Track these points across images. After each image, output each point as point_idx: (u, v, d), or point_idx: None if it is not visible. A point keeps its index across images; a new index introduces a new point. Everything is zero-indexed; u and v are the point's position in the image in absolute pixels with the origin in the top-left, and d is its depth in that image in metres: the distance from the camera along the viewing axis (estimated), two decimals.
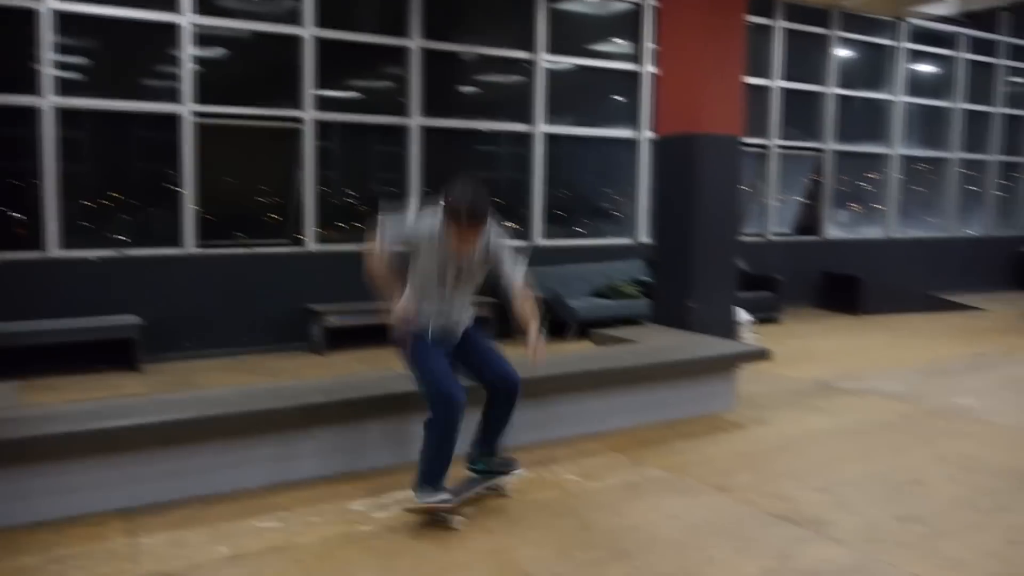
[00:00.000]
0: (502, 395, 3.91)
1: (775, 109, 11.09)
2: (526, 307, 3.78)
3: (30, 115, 6.99)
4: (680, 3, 6.72)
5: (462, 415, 3.68)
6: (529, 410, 4.76)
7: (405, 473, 4.22)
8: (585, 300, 8.85)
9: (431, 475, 3.68)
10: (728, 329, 6.79)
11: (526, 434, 4.73)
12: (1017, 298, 12.26)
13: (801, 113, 11.57)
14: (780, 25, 10.98)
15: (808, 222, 11.81)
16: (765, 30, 10.95)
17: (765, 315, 9.61)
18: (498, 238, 3.78)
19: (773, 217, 11.29)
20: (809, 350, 8.16)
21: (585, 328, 8.00)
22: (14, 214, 7.19)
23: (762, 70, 10.96)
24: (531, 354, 3.70)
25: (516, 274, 3.81)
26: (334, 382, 4.67)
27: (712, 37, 6.53)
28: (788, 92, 11.23)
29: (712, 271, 6.70)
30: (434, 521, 3.66)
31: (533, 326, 3.74)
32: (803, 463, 4.53)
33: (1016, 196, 14.50)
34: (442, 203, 3.58)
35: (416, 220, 3.73)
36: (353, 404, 4.26)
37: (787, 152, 11.39)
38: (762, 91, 10.99)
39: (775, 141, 11.14)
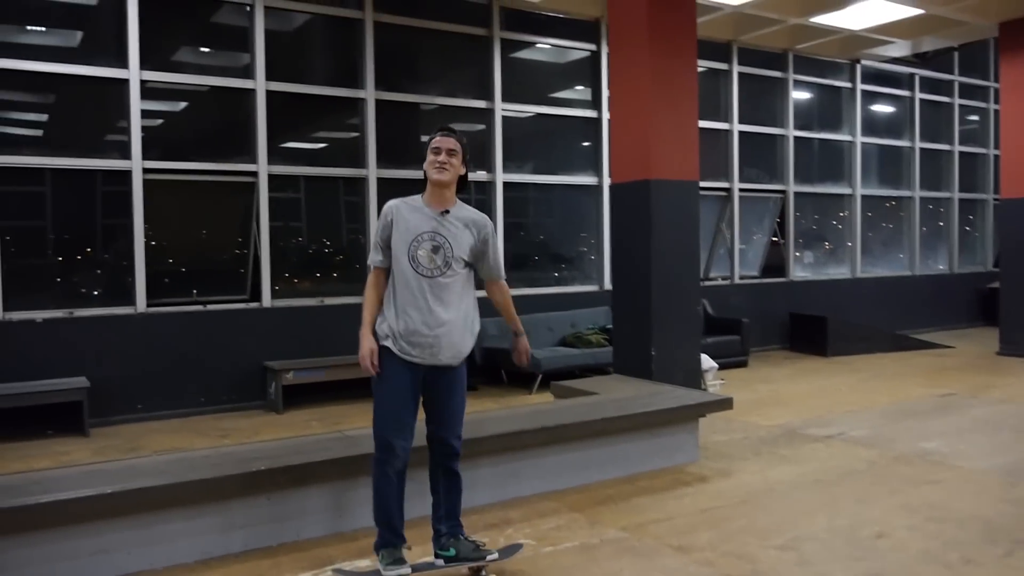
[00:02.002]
0: (440, 461, 3.65)
1: (735, 152, 11.14)
2: (508, 304, 3.77)
3: None
4: (628, 49, 6.71)
5: (401, 465, 3.50)
6: (483, 469, 4.60)
7: (349, 542, 4.04)
8: (549, 350, 8.70)
9: (379, 526, 3.51)
10: (692, 376, 6.66)
11: (480, 495, 4.56)
12: (984, 335, 12.28)
13: (762, 156, 11.63)
14: (736, 69, 11.08)
15: (774, 263, 11.80)
16: (721, 74, 11.04)
17: (732, 359, 9.53)
18: (490, 227, 3.65)
19: (739, 259, 11.27)
20: (776, 395, 8.04)
21: (550, 378, 7.88)
22: None
23: (720, 114, 11.04)
24: (521, 359, 3.80)
25: (499, 267, 3.71)
26: (277, 446, 4.45)
27: (662, 82, 6.51)
28: (747, 135, 11.30)
29: (673, 317, 6.59)
30: None
31: (519, 330, 3.79)
32: (766, 518, 4.37)
33: (978, 232, 14.64)
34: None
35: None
36: (292, 471, 4.05)
37: (749, 195, 11.42)
38: (721, 135, 11.05)
39: (737, 184, 11.16)
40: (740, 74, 11.14)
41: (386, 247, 3.54)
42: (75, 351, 7.07)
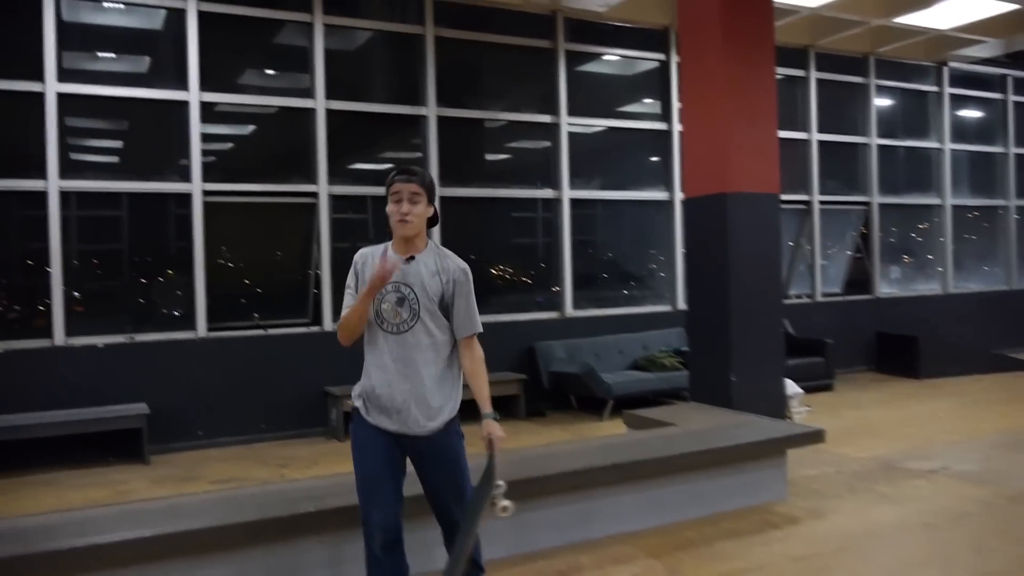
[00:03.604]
0: (445, 532, 3.17)
1: (814, 163, 10.57)
2: (476, 371, 3.10)
3: (38, 198, 6.79)
4: (701, 56, 6.32)
5: (384, 543, 3.00)
6: (550, 509, 4.24)
7: None
8: (621, 374, 8.28)
9: None
10: (776, 404, 6.17)
11: (547, 537, 4.20)
12: None
13: (843, 166, 11.03)
14: (814, 76, 10.53)
15: (858, 279, 11.15)
16: (798, 81, 10.51)
17: (815, 383, 8.95)
18: (463, 273, 3.11)
19: (820, 276, 10.67)
20: (868, 422, 7.46)
21: (621, 404, 7.51)
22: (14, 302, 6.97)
23: (798, 123, 10.50)
24: (492, 450, 3.02)
25: (468, 323, 3.10)
26: (329, 484, 4.12)
27: (738, 91, 6.10)
28: (827, 145, 10.72)
29: (754, 340, 6.13)
30: None
31: (488, 409, 3.04)
32: (869, 569, 3.88)
33: None
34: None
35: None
36: (344, 512, 3.66)
37: (830, 207, 10.82)
38: (799, 145, 10.51)
39: (817, 196, 10.59)
40: (818, 80, 10.58)
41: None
42: (136, 377, 6.97)
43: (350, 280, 3.15)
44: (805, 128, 10.53)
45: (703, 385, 6.32)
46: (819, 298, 10.66)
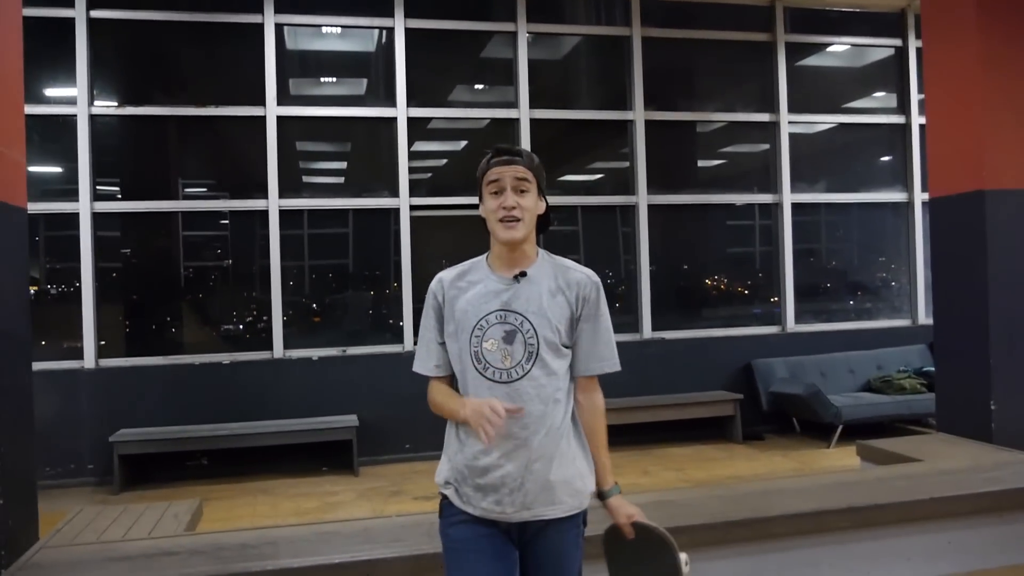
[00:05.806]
0: None
1: None
2: (597, 426, 2.28)
3: (262, 217, 7.14)
4: (950, 37, 5.46)
5: None
6: (769, 554, 3.70)
7: None
8: (851, 396, 7.45)
9: None
10: None
11: None
12: None
13: None
14: None
15: None
16: None
17: None
18: (594, 288, 2.23)
19: None
20: None
21: (852, 430, 6.76)
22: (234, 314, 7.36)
23: None
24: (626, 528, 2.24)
25: (598, 356, 2.23)
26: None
27: (998, 71, 5.19)
28: None
29: (1020, 363, 5.19)
30: None
31: (607, 481, 2.27)
32: None
33: None
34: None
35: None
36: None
37: None
38: None
39: None
40: None
41: (441, 343, 2.26)
42: (347, 389, 7.12)
43: (429, 321, 2.27)
44: None
45: (954, 413, 5.44)
46: None
